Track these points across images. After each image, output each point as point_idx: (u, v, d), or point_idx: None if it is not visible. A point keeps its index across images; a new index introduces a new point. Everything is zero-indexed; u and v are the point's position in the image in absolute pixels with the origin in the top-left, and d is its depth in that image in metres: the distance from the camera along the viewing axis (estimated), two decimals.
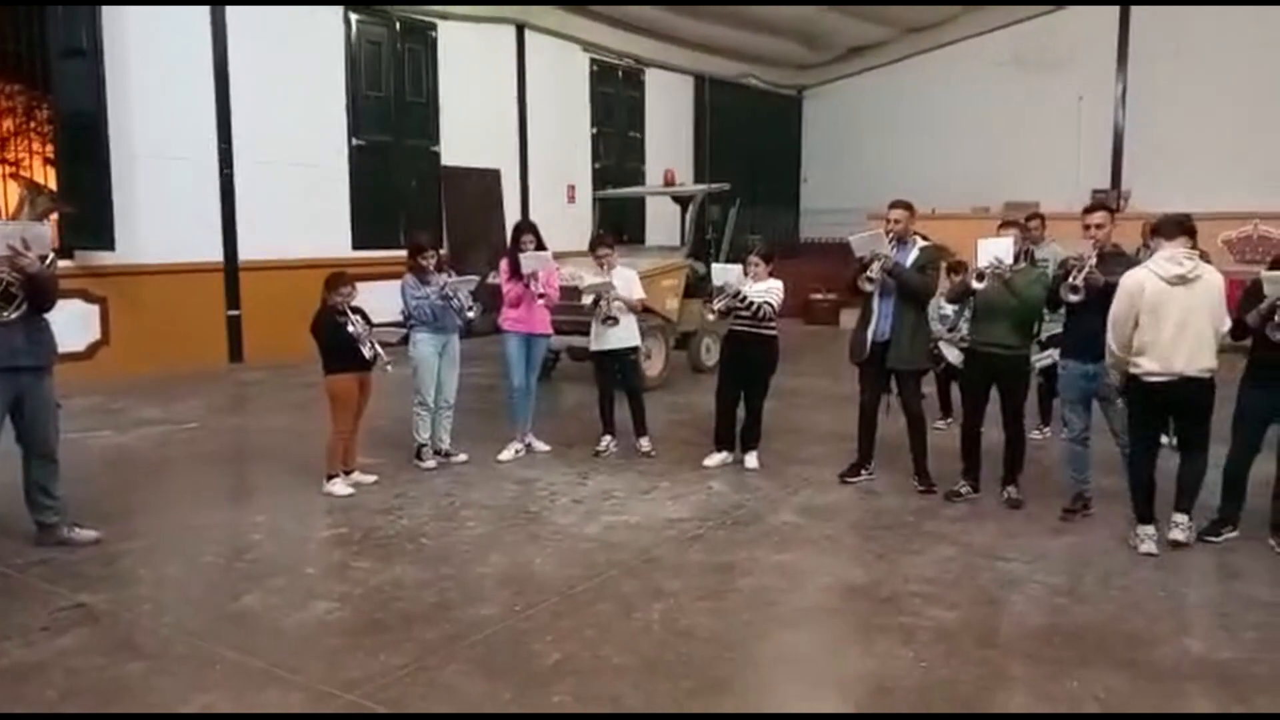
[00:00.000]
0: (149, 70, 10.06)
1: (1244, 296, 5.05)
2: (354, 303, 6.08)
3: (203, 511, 5.86)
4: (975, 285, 5.69)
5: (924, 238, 6.35)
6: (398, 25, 12.72)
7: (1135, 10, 16.25)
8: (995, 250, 5.68)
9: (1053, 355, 6.87)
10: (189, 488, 6.47)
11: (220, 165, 10.81)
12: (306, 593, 4.65)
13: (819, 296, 15.62)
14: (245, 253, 11.04)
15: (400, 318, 6.75)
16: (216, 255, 10.88)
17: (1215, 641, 4.12)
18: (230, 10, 10.72)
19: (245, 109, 10.91)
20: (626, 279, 7.16)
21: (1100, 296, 5.28)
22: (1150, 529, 5.15)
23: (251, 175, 11.01)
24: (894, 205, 6.21)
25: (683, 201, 11.78)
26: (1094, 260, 5.35)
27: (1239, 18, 15.03)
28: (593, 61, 15.78)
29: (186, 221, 10.48)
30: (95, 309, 9.95)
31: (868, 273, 5.96)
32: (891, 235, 6.09)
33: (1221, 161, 14.27)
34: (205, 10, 10.59)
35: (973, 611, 4.44)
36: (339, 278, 6.12)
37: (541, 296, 6.90)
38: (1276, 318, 4.81)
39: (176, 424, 8.15)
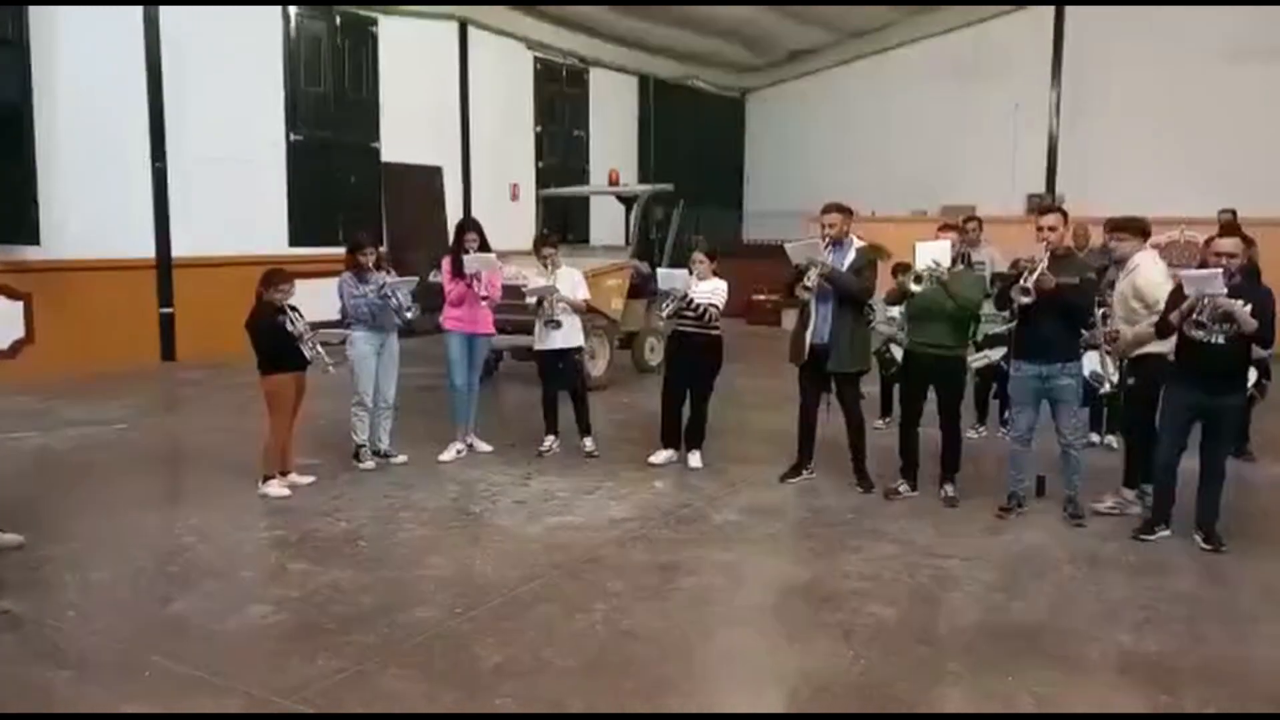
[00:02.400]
0: (78, 62, 9.77)
1: (1169, 297, 5.18)
2: (290, 301, 5.95)
3: (133, 515, 5.70)
4: (913, 288, 5.77)
5: (860, 238, 6.40)
6: (338, 20, 12.52)
7: (1069, 21, 16.67)
8: (933, 253, 5.75)
9: (989, 356, 7.01)
10: (118, 490, 6.27)
11: (152, 159, 10.53)
12: (241, 597, 4.54)
13: (761, 297, 15.72)
14: (179, 249, 10.78)
15: (339, 316, 6.64)
16: (148, 251, 10.60)
17: (1144, 635, 4.22)
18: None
19: (179, 102, 10.64)
20: (571, 279, 7.13)
21: (1052, 299, 5.38)
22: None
23: (185, 170, 10.74)
24: (828, 209, 6.22)
25: (627, 202, 11.78)
26: (1045, 263, 5.45)
27: (1169, 30, 15.47)
28: (537, 60, 15.71)
29: (116, 216, 10.20)
30: (19, 306, 9.63)
31: (804, 281, 5.99)
32: (827, 239, 6.12)
33: (1150, 168, 14.68)
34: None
35: (911, 609, 4.50)
36: (277, 274, 6.00)
37: (485, 299, 6.84)
38: (1196, 316, 4.94)
39: (105, 424, 7.92)
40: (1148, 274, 5.54)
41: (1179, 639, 4.20)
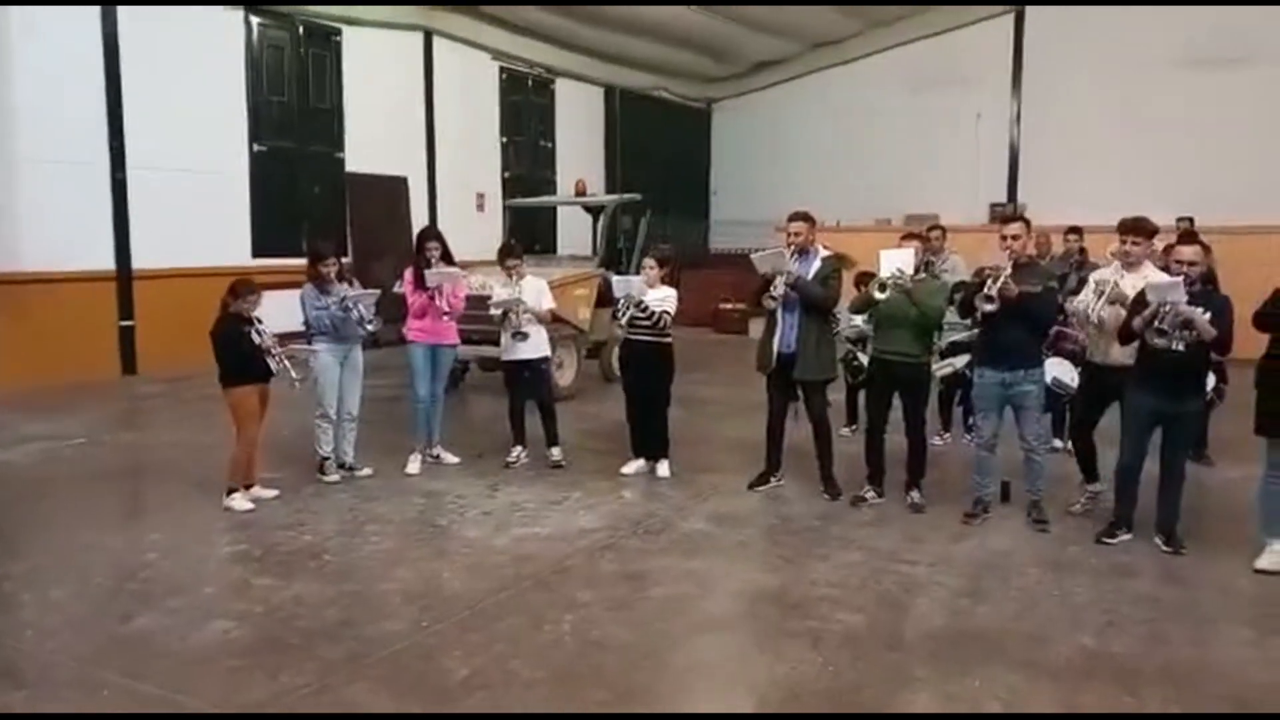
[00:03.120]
0: (33, 70, 9.62)
1: (1132, 304, 5.26)
2: (256, 313, 5.89)
3: (92, 531, 5.60)
4: (878, 296, 5.81)
5: (826, 247, 6.45)
6: (301, 29, 12.44)
7: (1029, 32, 16.95)
8: (897, 261, 5.81)
9: (953, 364, 7.07)
10: (77, 506, 6.15)
11: (111, 169, 10.39)
12: (203, 613, 4.47)
13: (728, 306, 15.78)
14: (139, 261, 10.63)
15: (302, 328, 6.56)
16: (108, 263, 10.45)
17: (1107, 638, 4.27)
18: (122, 10, 10.32)
19: (138, 112, 10.51)
20: (537, 289, 7.12)
21: (1015, 307, 5.44)
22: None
23: (145, 180, 10.59)
24: (793, 218, 6.26)
25: (594, 211, 11.79)
26: (1009, 271, 5.51)
27: (1127, 39, 15.76)
28: (502, 70, 15.69)
29: (74, 228, 10.04)
30: None
31: (771, 290, 6.03)
32: (793, 248, 6.17)
33: (1110, 177, 14.91)
34: (95, 9, 10.18)
35: (878, 615, 4.52)
36: (245, 284, 5.93)
37: (446, 314, 6.81)
38: (1158, 324, 5.02)
39: (64, 439, 7.78)
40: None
41: (1141, 640, 4.25)
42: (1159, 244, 7.25)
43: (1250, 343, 5.18)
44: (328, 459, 6.59)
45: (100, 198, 10.35)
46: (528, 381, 7.10)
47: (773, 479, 6.53)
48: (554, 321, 7.62)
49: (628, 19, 15.71)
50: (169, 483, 6.68)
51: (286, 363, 5.90)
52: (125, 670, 3.89)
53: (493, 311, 6.95)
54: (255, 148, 11.94)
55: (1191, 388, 5.34)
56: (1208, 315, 4.99)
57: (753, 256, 6.25)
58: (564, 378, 9.42)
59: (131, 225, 10.57)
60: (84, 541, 5.41)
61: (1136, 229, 5.59)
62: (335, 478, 6.56)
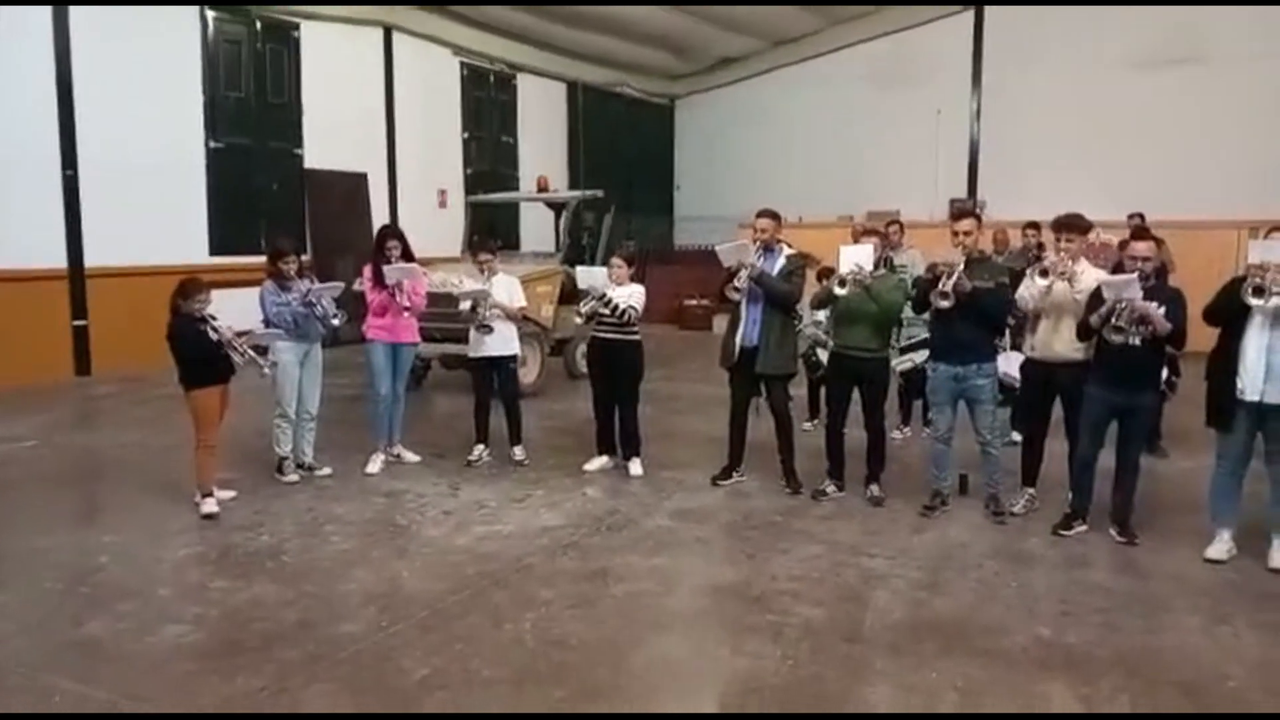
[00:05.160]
0: None
1: (1089, 301, 5.33)
2: (208, 310, 5.79)
3: (43, 534, 5.48)
4: (838, 291, 5.85)
5: (790, 245, 6.49)
6: (258, 25, 12.27)
7: (988, 29, 17.11)
8: (856, 257, 5.85)
9: (912, 359, 7.13)
10: (28, 509, 6.03)
11: (63, 167, 10.18)
12: (158, 616, 4.40)
13: (693, 302, 15.81)
14: (92, 259, 10.43)
15: (261, 327, 6.48)
16: (59, 261, 10.24)
17: (1062, 628, 4.33)
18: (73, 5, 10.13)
19: (91, 108, 10.30)
20: (508, 285, 7.07)
21: (968, 302, 5.50)
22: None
23: (98, 177, 10.39)
24: (761, 214, 6.34)
25: (557, 208, 11.75)
26: (962, 266, 5.56)
27: (1082, 39, 15.98)
28: (464, 66, 15.59)
29: (24, 225, 9.82)
30: None
31: (735, 282, 6.06)
32: (759, 244, 6.21)
33: (1068, 173, 15.08)
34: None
35: (838, 608, 4.55)
36: (193, 284, 5.82)
37: (407, 309, 6.76)
38: (1114, 320, 5.10)
39: (15, 441, 7.62)
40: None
41: (1095, 629, 4.31)
42: (1114, 239, 7.36)
43: (1204, 337, 5.27)
44: (286, 459, 6.52)
45: (51, 194, 10.13)
46: (494, 379, 7.05)
47: (735, 474, 6.55)
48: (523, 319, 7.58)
49: (591, 15, 15.67)
50: (123, 485, 6.57)
51: (251, 353, 5.81)
52: (77, 676, 3.82)
53: (461, 305, 6.89)
54: (212, 144, 11.76)
55: (1146, 381, 5.44)
56: (1163, 310, 5.08)
57: (718, 248, 6.30)
58: (527, 375, 9.38)
59: (84, 222, 10.37)
60: (35, 545, 5.30)
61: (1070, 226, 5.66)
62: (294, 478, 6.49)
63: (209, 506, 5.78)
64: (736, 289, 6.08)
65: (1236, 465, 5.14)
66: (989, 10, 17.06)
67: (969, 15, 17.23)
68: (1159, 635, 4.28)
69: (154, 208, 10.90)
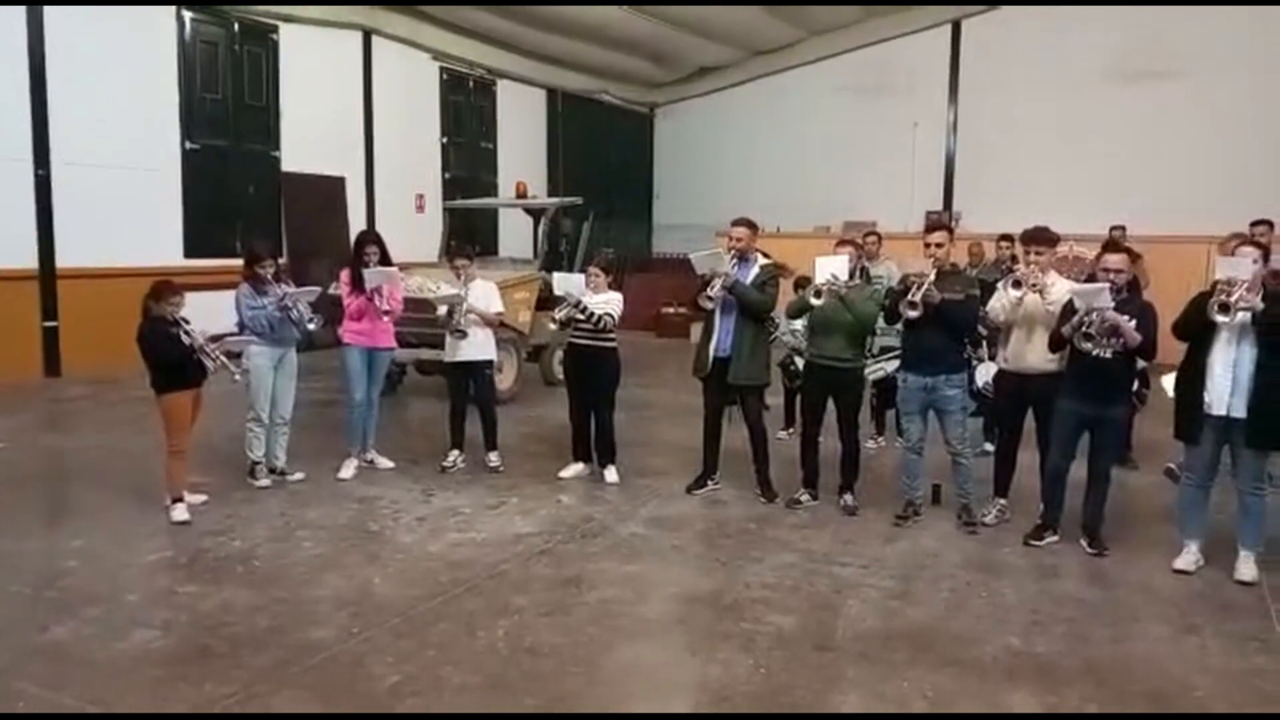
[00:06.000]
0: None
1: (1061, 311, 5.39)
2: (180, 314, 5.74)
3: (9, 538, 5.40)
4: (813, 301, 5.88)
5: (765, 255, 6.52)
6: (236, 26, 12.19)
7: (964, 42, 17.26)
8: (832, 267, 5.88)
9: (884, 368, 7.18)
10: None
11: (35, 166, 10.07)
12: (126, 621, 4.36)
13: (670, 310, 15.83)
14: (64, 259, 10.31)
15: (235, 330, 6.43)
16: (30, 262, 10.12)
17: (1032, 637, 4.36)
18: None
19: (65, 107, 10.19)
20: (485, 291, 7.05)
21: (938, 313, 5.55)
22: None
23: (72, 177, 10.27)
24: (736, 223, 6.35)
25: (535, 214, 11.74)
26: (932, 278, 5.61)
27: (1059, 51, 16.14)
28: (443, 70, 15.56)
29: None
30: None
31: (708, 291, 6.08)
32: (733, 253, 6.23)
33: (1042, 186, 15.21)
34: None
35: (810, 616, 4.56)
36: (166, 286, 5.76)
37: (386, 313, 6.73)
38: (1085, 329, 5.15)
39: None
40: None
41: (1065, 640, 4.35)
42: (1088, 252, 7.43)
43: (1175, 350, 5.33)
44: (259, 463, 6.47)
45: (23, 194, 10.01)
46: (470, 385, 7.03)
47: (710, 482, 6.57)
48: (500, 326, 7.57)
49: (570, 22, 15.69)
50: (92, 488, 6.49)
51: (223, 358, 5.76)
52: (43, 681, 3.78)
53: (438, 310, 6.87)
54: (188, 145, 11.65)
55: (1118, 394, 5.50)
56: (1134, 322, 5.14)
57: (692, 256, 6.31)
58: (504, 381, 9.35)
59: (56, 223, 10.23)
60: (2, 549, 5.22)
61: (1038, 239, 5.73)
62: (266, 482, 6.44)
63: (179, 514, 5.71)
64: (710, 298, 6.10)
65: (1204, 478, 5.20)
66: (966, 24, 17.21)
67: (947, 27, 17.38)
68: (1127, 645, 4.32)
69: (128, 209, 10.80)
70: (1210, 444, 5.10)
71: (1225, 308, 4.79)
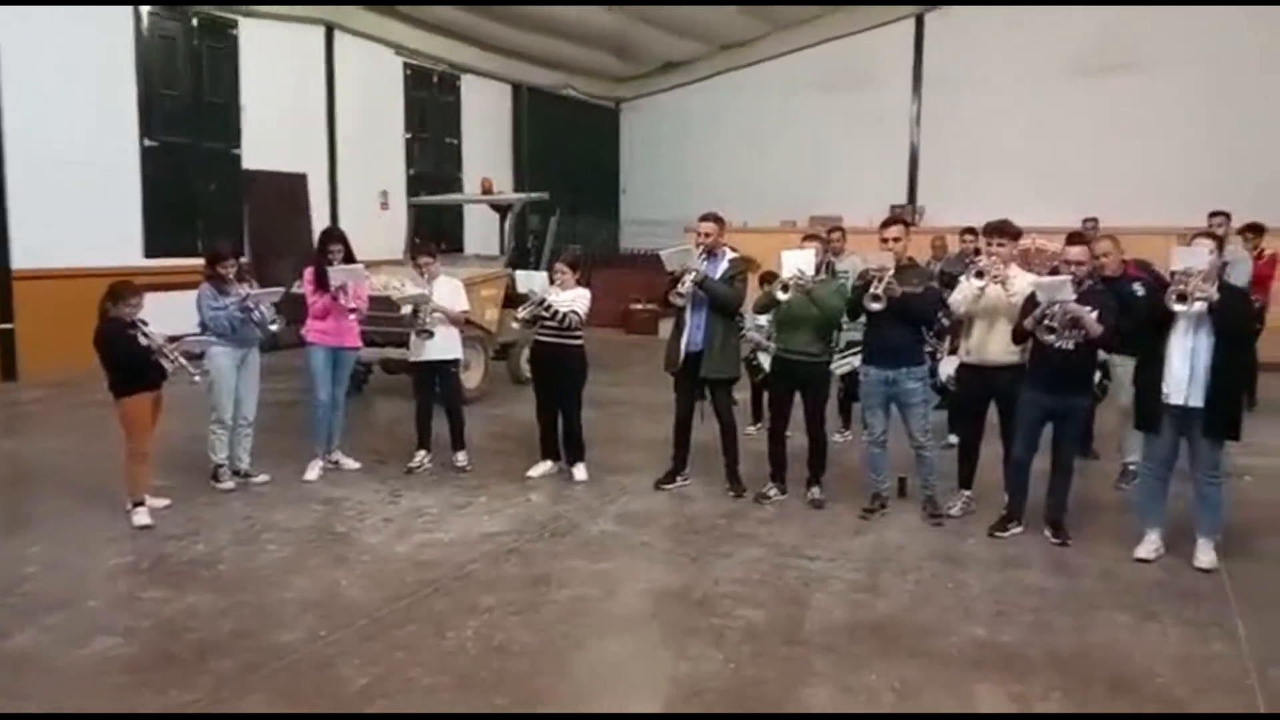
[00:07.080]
0: None
1: (1024, 304, 5.45)
2: (139, 315, 5.65)
3: None
4: (780, 296, 5.90)
5: (733, 249, 6.53)
6: (194, 21, 12.01)
7: (928, 38, 17.42)
8: (798, 262, 5.91)
9: (851, 362, 7.22)
10: None
11: None
12: (88, 627, 4.30)
13: (638, 306, 15.81)
14: (19, 260, 10.11)
15: (197, 331, 6.35)
16: None
17: (996, 627, 4.42)
18: None
19: (18, 104, 9.98)
20: (451, 289, 7.00)
21: (898, 306, 5.59)
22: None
23: (26, 176, 10.08)
24: (704, 218, 6.37)
25: (501, 210, 11.69)
26: (892, 271, 5.66)
27: (1022, 45, 16.33)
28: (406, 66, 15.44)
29: None
30: None
31: (678, 287, 6.09)
32: (702, 248, 6.24)
33: (1005, 180, 15.41)
34: None
35: (779, 610, 4.59)
36: (125, 287, 5.68)
37: (353, 311, 6.67)
38: (1047, 322, 5.22)
39: None
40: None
41: (1028, 629, 4.41)
42: (1051, 245, 7.52)
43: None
44: (222, 465, 6.39)
45: None
46: (436, 384, 6.98)
47: (679, 478, 6.58)
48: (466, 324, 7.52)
49: (532, 16, 15.63)
50: (52, 493, 6.39)
51: (182, 360, 5.68)
52: (4, 689, 3.72)
53: (402, 309, 6.81)
54: (146, 142, 11.47)
55: (1080, 385, 5.57)
56: (1095, 314, 5.21)
57: (661, 253, 6.32)
58: (471, 379, 9.30)
59: (10, 223, 10.05)
60: None
61: (999, 231, 5.78)
62: (230, 485, 6.37)
63: (141, 518, 5.63)
64: (680, 294, 6.12)
65: (1163, 467, 5.28)
66: (928, 18, 17.36)
67: (910, 22, 17.50)
68: (1089, 633, 4.38)
69: (85, 208, 10.61)
70: (1169, 433, 5.17)
71: (1183, 297, 4.87)
